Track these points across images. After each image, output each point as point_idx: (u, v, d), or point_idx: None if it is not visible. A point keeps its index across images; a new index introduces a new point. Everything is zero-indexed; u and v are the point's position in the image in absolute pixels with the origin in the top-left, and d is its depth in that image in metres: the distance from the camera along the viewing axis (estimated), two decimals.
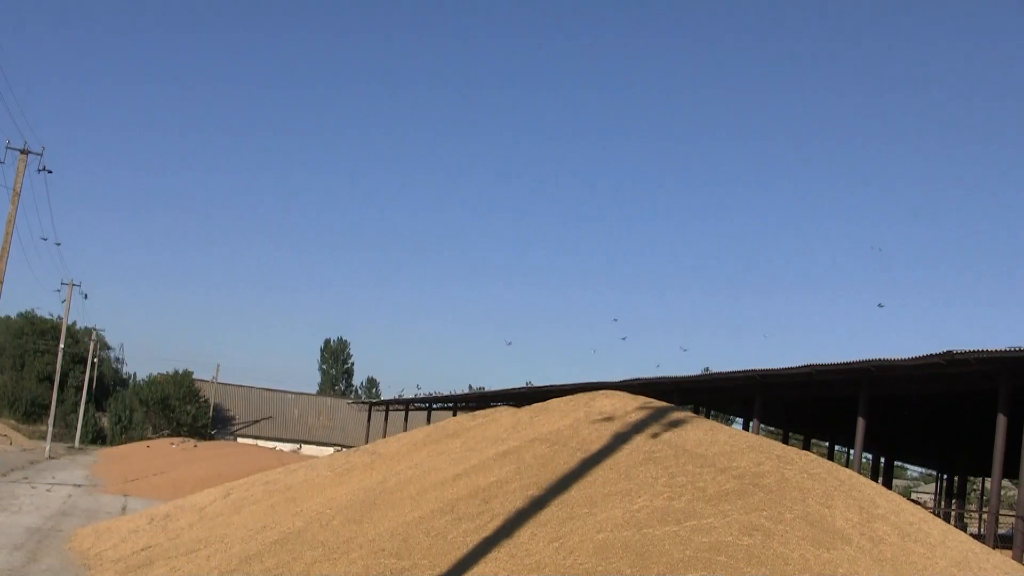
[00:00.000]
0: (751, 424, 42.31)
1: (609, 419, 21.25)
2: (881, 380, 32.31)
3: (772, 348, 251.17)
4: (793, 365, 33.63)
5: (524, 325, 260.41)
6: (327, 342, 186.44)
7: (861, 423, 32.35)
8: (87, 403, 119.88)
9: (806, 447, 59.19)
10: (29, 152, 50.38)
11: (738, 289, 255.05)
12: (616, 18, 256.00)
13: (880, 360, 29.99)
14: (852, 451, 45.76)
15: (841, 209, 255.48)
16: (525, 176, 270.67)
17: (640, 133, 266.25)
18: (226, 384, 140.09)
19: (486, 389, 67.86)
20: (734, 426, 53.62)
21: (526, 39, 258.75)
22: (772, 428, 69.97)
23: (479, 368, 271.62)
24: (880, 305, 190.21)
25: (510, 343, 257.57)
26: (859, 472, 24.75)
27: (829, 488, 17.65)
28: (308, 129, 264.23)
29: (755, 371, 35.65)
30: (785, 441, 58.50)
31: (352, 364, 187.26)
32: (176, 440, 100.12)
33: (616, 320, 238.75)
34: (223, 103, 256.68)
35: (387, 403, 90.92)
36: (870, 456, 68.86)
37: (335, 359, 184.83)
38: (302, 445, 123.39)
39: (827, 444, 67.06)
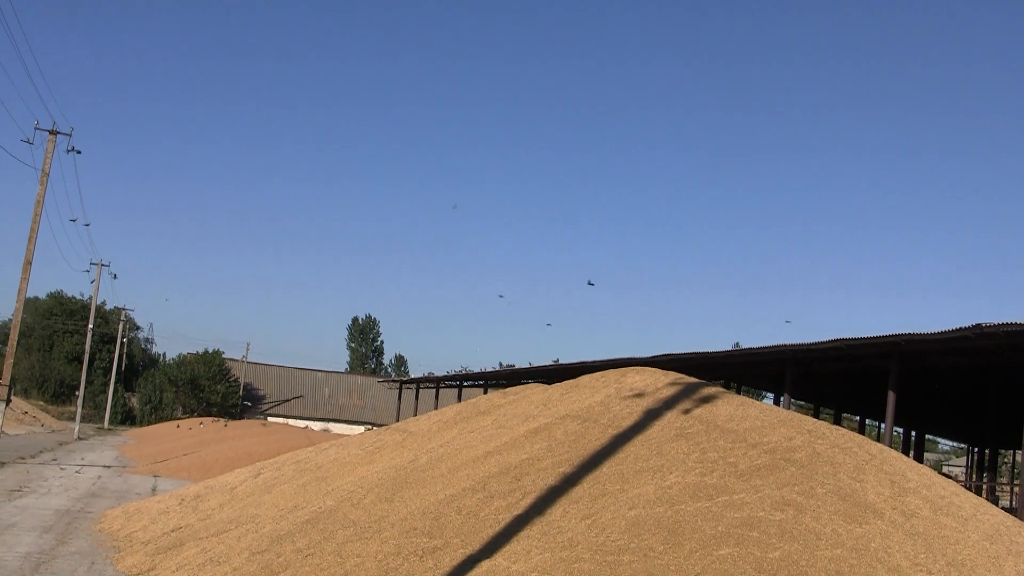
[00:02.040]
0: (782, 399, 42.23)
1: (640, 395, 21.22)
2: (911, 354, 32.18)
3: (798, 329, 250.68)
4: (823, 339, 33.55)
5: (556, 304, 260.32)
6: (355, 320, 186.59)
7: (891, 397, 32.22)
8: (116, 384, 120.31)
9: (837, 421, 59.05)
10: (58, 133, 50.56)
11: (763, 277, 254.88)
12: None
13: (910, 334, 29.87)
14: (883, 425, 45.64)
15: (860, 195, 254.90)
16: (550, 154, 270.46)
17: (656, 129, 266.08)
18: (256, 363, 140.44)
19: (517, 366, 67.69)
20: (765, 401, 53.54)
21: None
22: (803, 403, 69.73)
23: (510, 345, 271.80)
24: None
25: (550, 324, 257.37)
26: (890, 446, 24.67)
27: (860, 462, 17.60)
28: (336, 107, 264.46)
29: (785, 346, 35.53)
30: (816, 416, 58.35)
31: (381, 342, 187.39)
32: (206, 420, 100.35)
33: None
34: (253, 81, 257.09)
35: (417, 381, 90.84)
36: (901, 430, 68.62)
37: (364, 337, 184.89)
38: (332, 424, 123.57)
39: (858, 418, 66.83)
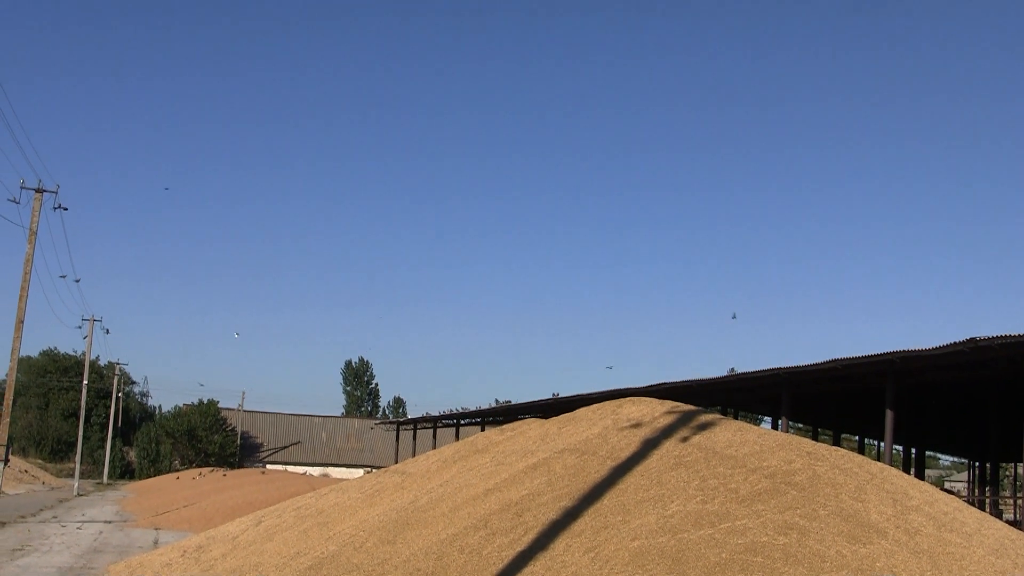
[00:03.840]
0: (779, 422, 42.18)
1: (637, 425, 21.22)
2: (907, 371, 32.20)
3: (796, 348, 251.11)
4: (818, 360, 33.55)
5: (545, 337, 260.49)
6: (348, 364, 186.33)
7: (889, 415, 32.21)
8: (113, 438, 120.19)
9: (836, 442, 59.02)
10: (44, 191, 50.67)
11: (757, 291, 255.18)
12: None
13: (905, 351, 29.89)
14: (882, 444, 45.57)
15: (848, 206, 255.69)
16: (537, 188, 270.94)
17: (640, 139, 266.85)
18: (252, 411, 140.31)
19: (512, 402, 67.72)
20: (762, 425, 53.54)
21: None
22: (801, 425, 69.79)
23: (504, 382, 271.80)
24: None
25: (610, 367, 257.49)
26: (890, 464, 24.66)
27: (861, 482, 17.59)
28: (323, 154, 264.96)
29: (780, 369, 35.53)
30: (814, 437, 58.36)
31: (376, 385, 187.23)
32: (204, 470, 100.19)
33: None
34: (237, 134, 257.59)
35: (415, 422, 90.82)
36: (901, 448, 68.63)
37: (358, 380, 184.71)
38: (330, 468, 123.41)
39: (857, 438, 66.86)
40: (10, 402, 49.43)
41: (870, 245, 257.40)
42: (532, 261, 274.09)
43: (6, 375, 50.70)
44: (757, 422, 71.02)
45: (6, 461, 47.98)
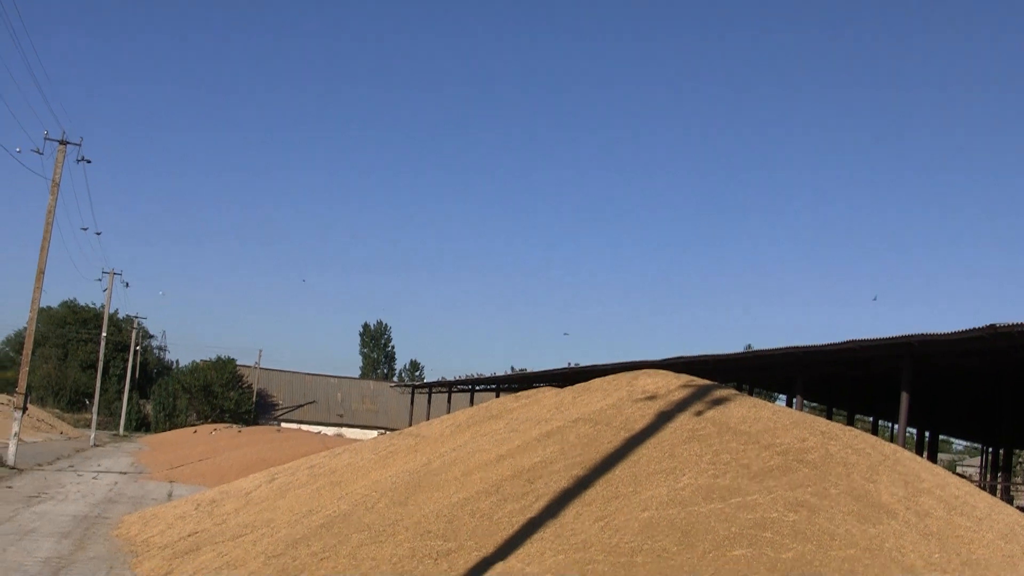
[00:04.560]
0: (794, 401, 42.18)
1: (652, 398, 21.24)
2: (924, 355, 32.09)
3: (812, 329, 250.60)
4: (834, 341, 33.50)
5: (563, 306, 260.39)
6: (366, 326, 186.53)
7: (904, 398, 32.15)
8: (131, 391, 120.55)
9: (850, 423, 58.94)
10: (67, 143, 50.64)
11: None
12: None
13: (922, 335, 29.81)
14: (896, 426, 45.54)
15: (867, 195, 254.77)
16: (557, 162, 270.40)
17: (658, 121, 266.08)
18: (269, 369, 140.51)
19: (528, 370, 67.65)
20: (777, 403, 53.55)
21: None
22: (815, 404, 69.67)
23: (521, 349, 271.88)
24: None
25: (567, 334, 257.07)
26: (903, 447, 24.65)
27: (874, 463, 17.61)
28: (345, 112, 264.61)
29: (796, 348, 35.50)
30: (829, 417, 58.29)
31: (393, 348, 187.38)
32: (219, 426, 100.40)
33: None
34: (263, 85, 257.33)
35: (430, 386, 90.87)
36: (914, 431, 68.53)
37: (375, 343, 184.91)
38: (345, 429, 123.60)
39: (871, 419, 66.77)
40: (29, 352, 49.56)
41: (890, 230, 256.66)
42: (551, 232, 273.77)
43: (26, 325, 50.76)
44: (772, 400, 71.01)
45: (24, 410, 48.12)
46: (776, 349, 37.22)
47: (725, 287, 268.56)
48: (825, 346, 33.96)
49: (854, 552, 14.01)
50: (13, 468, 43.80)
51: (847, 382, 48.72)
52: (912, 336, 30.06)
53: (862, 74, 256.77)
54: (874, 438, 20.04)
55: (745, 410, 19.94)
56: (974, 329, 27.94)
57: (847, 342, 32.61)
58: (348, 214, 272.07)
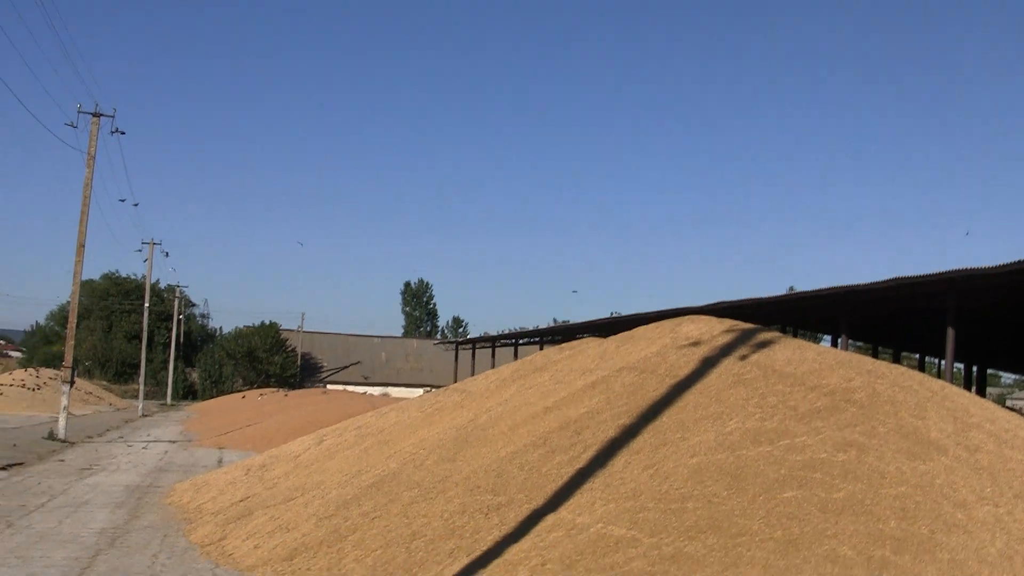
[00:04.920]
0: (839, 341, 42.01)
1: (696, 344, 21.19)
2: (968, 290, 31.88)
3: (856, 267, 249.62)
4: (878, 279, 33.30)
5: (602, 258, 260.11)
6: (407, 285, 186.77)
7: (950, 334, 31.97)
8: (176, 360, 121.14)
9: (896, 361, 58.76)
10: (101, 115, 50.69)
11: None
12: None
13: (966, 269, 29.57)
14: (943, 362, 45.28)
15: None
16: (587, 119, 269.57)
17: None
18: (312, 332, 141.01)
19: (571, 322, 67.63)
20: (822, 344, 53.38)
21: None
22: (860, 343, 69.45)
23: (563, 301, 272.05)
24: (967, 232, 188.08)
25: (575, 291, 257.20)
26: (951, 382, 24.53)
27: (922, 400, 17.53)
28: (383, 67, 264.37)
29: (840, 287, 35.27)
30: (874, 356, 58.05)
31: (435, 305, 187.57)
32: (266, 391, 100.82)
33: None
34: (297, 41, 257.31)
35: (473, 341, 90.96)
36: (961, 366, 68.27)
37: (417, 301, 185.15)
38: (390, 388, 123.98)
39: (917, 356, 66.53)
40: (73, 325, 49.82)
41: (936, 169, 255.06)
42: (589, 183, 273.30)
43: (69, 299, 51.00)
44: (816, 341, 70.82)
45: (72, 383, 48.38)
46: (819, 290, 37.02)
47: (766, 230, 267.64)
48: (869, 285, 33.74)
49: (905, 490, 13.97)
50: (64, 441, 44.11)
51: (892, 320, 48.47)
52: (956, 271, 29.85)
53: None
54: (921, 375, 19.96)
55: (790, 352, 19.87)
56: (1019, 262, 27.71)
57: (890, 280, 32.40)
58: (386, 174, 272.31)
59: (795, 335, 50.76)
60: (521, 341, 79.90)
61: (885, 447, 15.21)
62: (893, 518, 13.28)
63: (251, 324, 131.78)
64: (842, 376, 18.18)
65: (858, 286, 34.10)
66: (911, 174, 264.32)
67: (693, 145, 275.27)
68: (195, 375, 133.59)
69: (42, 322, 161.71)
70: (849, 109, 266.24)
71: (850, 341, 41.06)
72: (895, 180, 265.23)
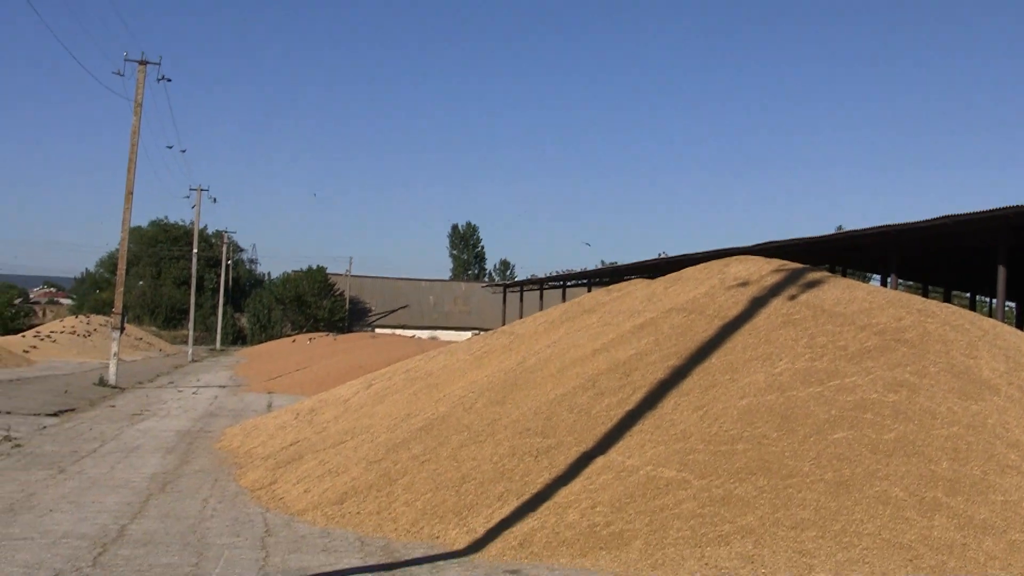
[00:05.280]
0: (888, 280, 41.73)
1: (744, 284, 21.09)
2: (1020, 227, 31.53)
3: (906, 206, 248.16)
4: (928, 217, 32.99)
5: (653, 197, 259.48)
6: (455, 228, 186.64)
7: (1002, 272, 31.63)
8: (225, 305, 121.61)
9: (946, 300, 58.31)
10: (147, 63, 50.71)
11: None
12: None
13: (1018, 206, 29.25)
14: (994, 301, 44.93)
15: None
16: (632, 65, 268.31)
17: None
18: (360, 276, 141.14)
19: (619, 263, 67.43)
20: (871, 283, 53.05)
21: None
22: (910, 283, 68.96)
23: (610, 242, 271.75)
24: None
25: (588, 244, 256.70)
26: (1003, 321, 24.32)
27: (973, 339, 17.40)
28: (424, 26, 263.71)
29: (889, 226, 34.97)
30: (924, 295, 57.76)
31: (482, 248, 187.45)
32: (315, 335, 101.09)
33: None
34: (348, 2, 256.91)
35: (521, 284, 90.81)
36: (1013, 304, 67.71)
37: (465, 244, 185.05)
38: (438, 331, 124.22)
39: (968, 295, 66.05)
40: (123, 272, 50.03)
41: (988, 105, 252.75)
42: (632, 121, 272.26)
43: (118, 245, 51.22)
44: (865, 281, 70.42)
45: (122, 329, 48.67)
46: (869, 228, 36.72)
47: (814, 169, 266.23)
48: (918, 223, 33.43)
49: (957, 430, 13.90)
50: (115, 387, 44.38)
51: (942, 259, 48.05)
52: (1007, 208, 29.51)
53: None
54: (972, 314, 19.81)
55: (839, 292, 19.75)
56: None
57: (941, 218, 32.09)
58: (431, 116, 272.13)
59: (844, 275, 50.48)
60: (569, 283, 79.70)
61: (936, 387, 15.12)
62: (945, 459, 13.21)
63: (299, 269, 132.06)
64: (892, 315, 18.07)
65: (909, 224, 33.81)
66: (961, 114, 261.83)
67: (739, 89, 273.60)
68: (244, 320, 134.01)
69: (92, 269, 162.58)
70: (903, 49, 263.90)
71: (900, 280, 40.73)
72: (945, 119, 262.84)
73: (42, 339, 78.08)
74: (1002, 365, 16.35)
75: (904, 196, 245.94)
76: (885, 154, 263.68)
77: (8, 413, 30.63)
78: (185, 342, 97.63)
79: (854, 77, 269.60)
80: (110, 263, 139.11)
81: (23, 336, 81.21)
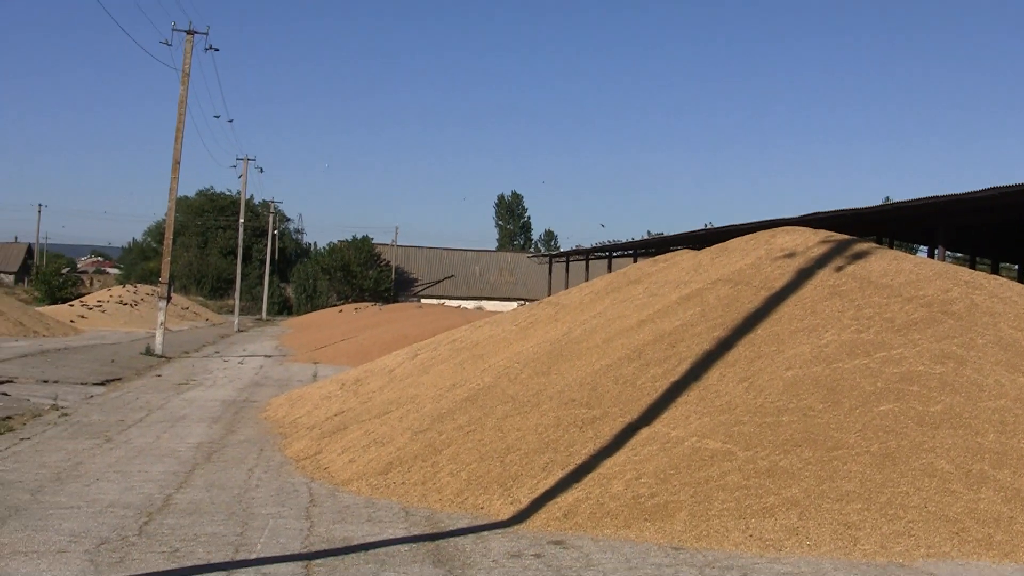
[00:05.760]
0: (936, 252, 41.51)
1: (791, 255, 21.02)
2: None
3: (953, 177, 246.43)
4: (977, 189, 32.76)
5: (699, 168, 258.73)
6: (500, 198, 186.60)
7: None
8: (271, 275, 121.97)
9: (994, 272, 57.93)
10: (195, 32, 50.88)
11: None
12: None
13: None
14: None
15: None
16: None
17: None
18: (406, 246, 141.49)
19: (665, 234, 67.38)
20: (918, 255, 52.76)
21: None
22: (958, 254, 68.54)
23: (656, 213, 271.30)
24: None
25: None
26: None
27: (1020, 311, 17.31)
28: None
29: (936, 197, 34.75)
30: (972, 267, 57.35)
31: (528, 218, 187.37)
32: (360, 305, 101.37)
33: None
34: None
35: (567, 254, 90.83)
36: None
37: (511, 214, 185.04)
38: (484, 302, 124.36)
39: (1016, 267, 65.61)
40: (170, 241, 50.32)
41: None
42: (679, 92, 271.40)
43: (165, 215, 51.50)
44: (913, 252, 70.07)
45: (168, 298, 49.00)
46: (917, 199, 36.51)
47: (862, 139, 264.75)
48: (967, 194, 33.20)
49: (1004, 403, 13.84)
50: (161, 357, 44.67)
51: (990, 230, 47.76)
52: None
53: None
54: (1020, 286, 19.69)
55: (886, 263, 19.67)
56: None
57: (989, 189, 31.87)
58: (476, 88, 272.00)
59: (891, 246, 50.23)
60: (615, 254, 79.66)
61: (984, 359, 15.05)
62: (992, 432, 13.17)
63: (344, 239, 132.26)
64: (939, 287, 17.99)
65: (956, 195, 33.61)
66: (1014, 85, 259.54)
67: (786, 59, 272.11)
68: (290, 290, 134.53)
69: (139, 239, 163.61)
70: (958, 16, 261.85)
71: (947, 252, 40.48)
72: (996, 90, 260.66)
73: (90, 308, 78.62)
74: None
75: (952, 167, 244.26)
76: (933, 125, 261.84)
77: (56, 382, 30.90)
78: (231, 312, 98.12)
79: (907, 46, 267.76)
80: (157, 233, 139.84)
81: (71, 305, 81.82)
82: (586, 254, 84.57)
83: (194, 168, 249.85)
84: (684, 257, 26.83)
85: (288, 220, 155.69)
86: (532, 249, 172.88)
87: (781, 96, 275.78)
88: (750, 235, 25.35)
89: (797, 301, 18.10)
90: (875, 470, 12.43)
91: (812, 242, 21.92)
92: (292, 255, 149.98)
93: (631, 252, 75.06)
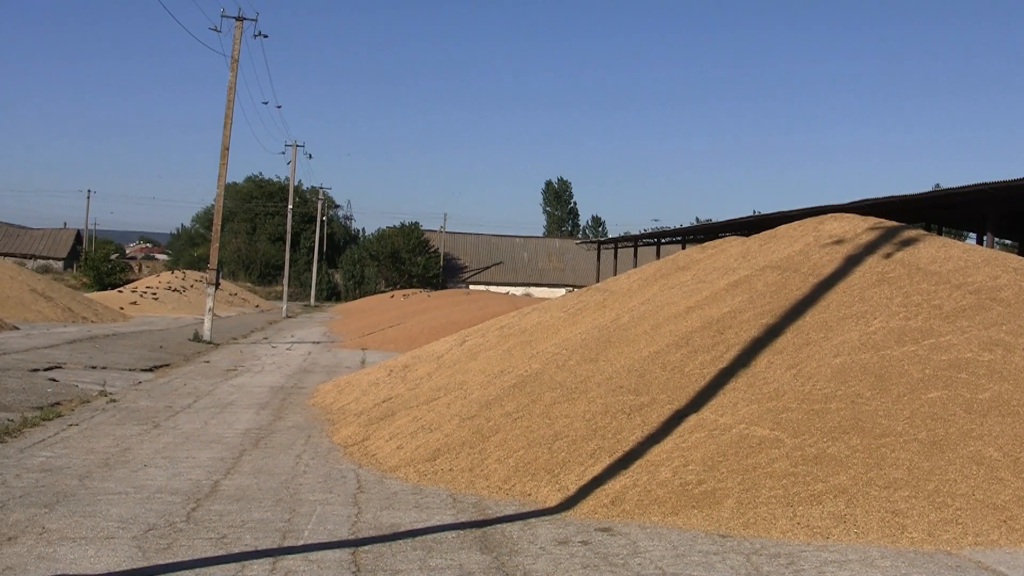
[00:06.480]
0: (984, 239, 41.26)
1: (839, 242, 20.97)
2: None
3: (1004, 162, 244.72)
4: None
5: (748, 155, 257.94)
6: (548, 184, 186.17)
7: None
8: (319, 261, 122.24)
9: None
10: (244, 19, 51.03)
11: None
12: None
13: None
14: None
15: None
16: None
17: None
18: (454, 233, 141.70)
19: (713, 220, 67.20)
20: (967, 242, 52.46)
21: None
22: (1007, 241, 68.10)
23: (705, 199, 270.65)
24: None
25: (656, 221, 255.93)
26: None
27: None
28: None
29: (986, 184, 34.56)
30: (1021, 254, 56.98)
31: (575, 204, 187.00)
32: (409, 291, 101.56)
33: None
34: None
35: (615, 241, 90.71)
36: None
37: (558, 200, 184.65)
38: (532, 288, 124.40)
39: None
40: (218, 227, 50.48)
41: None
42: (727, 80, 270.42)
43: (214, 201, 51.66)
44: (962, 239, 69.62)
45: (217, 285, 49.12)
46: (965, 186, 36.32)
47: (910, 125, 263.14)
48: (1017, 181, 33.01)
49: None
50: (209, 343, 44.87)
51: None
52: None
53: None
54: None
55: (935, 250, 19.59)
56: None
57: None
58: (525, 74, 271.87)
59: (939, 233, 49.93)
60: (663, 240, 79.55)
61: None
62: None
63: (393, 225, 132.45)
64: (988, 274, 17.92)
65: (1006, 182, 33.40)
66: None
67: (835, 47, 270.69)
68: (338, 276, 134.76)
69: (187, 225, 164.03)
70: (1004, 4, 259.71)
71: (996, 239, 40.25)
72: None
73: (141, 295, 79.07)
74: None
75: (1002, 153, 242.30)
76: (983, 111, 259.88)
77: (104, 368, 31.10)
78: (279, 298, 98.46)
79: (960, 32, 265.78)
80: (205, 219, 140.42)
81: (120, 291, 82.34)
82: (634, 240, 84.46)
83: (243, 154, 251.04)
84: (732, 244, 26.77)
85: (337, 206, 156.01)
86: (580, 235, 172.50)
87: (831, 82, 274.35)
88: (798, 222, 25.28)
89: (845, 288, 18.06)
90: (923, 458, 12.43)
91: (860, 229, 21.85)
92: (340, 241, 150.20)
93: (679, 239, 74.93)
